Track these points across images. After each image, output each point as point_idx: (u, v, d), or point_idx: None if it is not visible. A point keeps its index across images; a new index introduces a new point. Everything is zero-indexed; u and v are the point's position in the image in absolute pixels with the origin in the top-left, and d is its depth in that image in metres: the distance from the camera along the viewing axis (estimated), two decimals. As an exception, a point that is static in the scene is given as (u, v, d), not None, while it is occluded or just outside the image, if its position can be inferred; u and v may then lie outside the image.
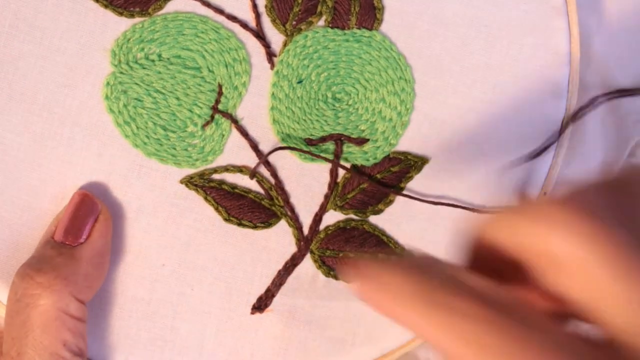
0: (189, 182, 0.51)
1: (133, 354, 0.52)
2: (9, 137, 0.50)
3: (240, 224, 0.52)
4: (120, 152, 0.51)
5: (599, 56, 0.55)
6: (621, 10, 0.56)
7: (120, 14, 0.50)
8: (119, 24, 0.50)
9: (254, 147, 0.51)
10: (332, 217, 0.52)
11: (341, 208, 0.52)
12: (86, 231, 0.49)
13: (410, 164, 0.52)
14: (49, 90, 0.50)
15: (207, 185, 0.51)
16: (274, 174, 0.52)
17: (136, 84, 0.50)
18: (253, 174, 0.51)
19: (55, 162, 0.50)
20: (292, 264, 0.52)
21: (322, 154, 0.52)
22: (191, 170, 0.51)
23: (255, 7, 0.51)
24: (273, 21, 0.51)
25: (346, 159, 0.52)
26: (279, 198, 0.52)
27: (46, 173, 0.50)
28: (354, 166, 0.52)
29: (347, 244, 0.52)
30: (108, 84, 0.50)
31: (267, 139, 0.52)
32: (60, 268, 0.47)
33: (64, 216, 0.49)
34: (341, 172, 0.52)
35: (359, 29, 0.52)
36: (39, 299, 0.46)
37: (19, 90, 0.50)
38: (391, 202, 0.52)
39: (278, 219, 0.52)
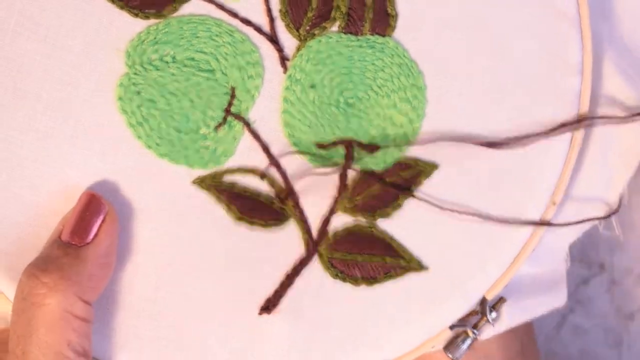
0: (201, 182, 0.51)
1: (139, 353, 0.52)
2: (13, 134, 0.50)
3: (251, 223, 0.52)
4: (129, 151, 0.51)
5: (610, 63, 0.55)
6: (633, 16, 0.56)
7: (136, 15, 0.50)
8: (125, 23, 0.50)
9: (266, 149, 0.52)
10: (341, 221, 0.53)
11: (350, 211, 0.52)
12: (93, 231, 0.49)
13: (420, 169, 0.52)
14: (54, 89, 0.50)
15: (219, 187, 0.52)
16: (285, 176, 0.52)
17: (150, 85, 0.51)
18: (263, 174, 0.52)
19: (59, 160, 0.51)
20: (300, 265, 0.52)
21: (333, 158, 0.52)
22: (203, 171, 0.52)
23: (269, 11, 0.51)
24: (287, 25, 0.51)
25: (356, 164, 0.52)
26: (289, 200, 0.52)
27: (50, 171, 0.51)
28: (363, 171, 0.52)
29: (355, 247, 0.53)
30: (122, 84, 0.50)
31: (279, 142, 0.52)
32: (65, 268, 0.47)
33: (71, 216, 0.49)
34: (351, 176, 0.52)
35: (372, 35, 0.52)
36: (44, 298, 0.46)
37: (24, 88, 0.50)
38: (399, 206, 0.53)
39: (287, 221, 0.52)
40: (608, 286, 0.78)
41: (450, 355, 0.53)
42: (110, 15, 0.50)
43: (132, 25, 0.51)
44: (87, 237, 0.49)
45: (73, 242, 0.48)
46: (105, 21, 0.50)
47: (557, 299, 0.57)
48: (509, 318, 0.55)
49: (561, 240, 0.57)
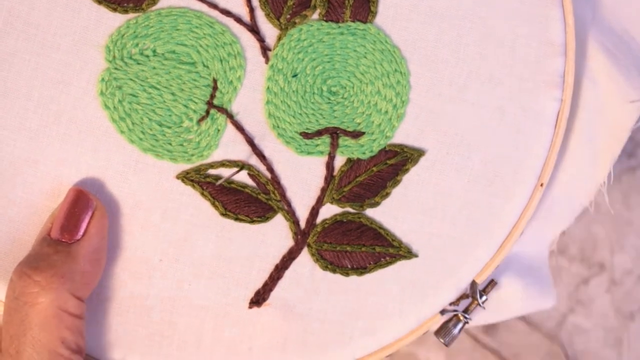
0: (185, 177, 0.51)
1: (131, 349, 0.52)
2: (4, 134, 0.50)
3: (237, 219, 0.52)
4: (116, 147, 0.51)
5: (594, 44, 0.55)
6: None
7: (114, 9, 0.50)
8: (113, 20, 0.50)
9: (250, 141, 0.51)
10: (329, 211, 0.52)
11: (338, 201, 0.52)
12: (82, 228, 0.49)
13: (407, 156, 0.52)
14: (44, 87, 0.50)
15: (203, 181, 0.51)
16: (270, 168, 0.52)
17: (131, 79, 0.50)
18: (248, 167, 0.51)
19: (51, 158, 0.51)
20: (289, 258, 0.52)
21: (318, 148, 0.52)
22: (187, 166, 0.51)
23: (249, 1, 0.51)
24: (267, 15, 0.51)
25: (342, 153, 0.52)
26: (276, 192, 0.52)
27: (42, 169, 0.50)
28: (350, 159, 0.52)
29: (344, 237, 0.52)
30: (103, 79, 0.50)
31: (263, 133, 0.52)
32: (57, 266, 0.47)
33: (60, 213, 0.49)
34: (337, 165, 0.52)
35: (353, 22, 0.52)
36: (37, 297, 0.46)
37: (14, 87, 0.50)
38: (387, 194, 0.52)
39: (275, 213, 0.52)
40: (608, 286, 0.77)
41: (442, 340, 0.53)
42: (99, 13, 0.50)
43: (120, 23, 0.51)
44: (77, 233, 0.48)
45: (63, 239, 0.48)
46: (93, 19, 0.50)
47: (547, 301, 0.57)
48: (496, 315, 0.55)
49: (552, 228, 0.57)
